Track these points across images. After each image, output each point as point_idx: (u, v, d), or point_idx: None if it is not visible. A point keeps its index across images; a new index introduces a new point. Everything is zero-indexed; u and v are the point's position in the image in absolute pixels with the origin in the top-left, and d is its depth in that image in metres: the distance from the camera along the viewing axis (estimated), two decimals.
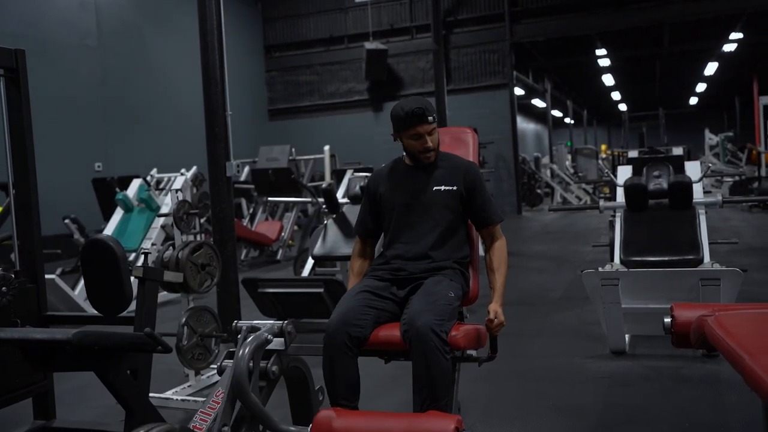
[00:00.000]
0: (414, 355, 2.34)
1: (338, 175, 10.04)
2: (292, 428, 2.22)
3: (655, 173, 5.04)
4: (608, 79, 24.54)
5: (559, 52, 19.97)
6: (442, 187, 2.69)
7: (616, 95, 29.84)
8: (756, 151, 17.15)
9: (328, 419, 2.21)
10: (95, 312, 3.03)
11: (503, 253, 2.72)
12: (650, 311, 4.17)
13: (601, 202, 5.34)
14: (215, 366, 3.47)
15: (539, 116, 29.35)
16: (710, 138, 20.68)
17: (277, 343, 2.35)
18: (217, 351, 3.69)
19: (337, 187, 7.68)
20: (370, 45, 16.30)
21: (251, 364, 2.22)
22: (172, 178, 7.48)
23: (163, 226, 6.98)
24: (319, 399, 2.44)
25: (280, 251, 10.04)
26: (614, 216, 5.02)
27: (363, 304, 2.49)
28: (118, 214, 7.38)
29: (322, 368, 2.41)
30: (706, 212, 4.77)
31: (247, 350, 2.23)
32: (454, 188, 2.69)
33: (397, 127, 2.68)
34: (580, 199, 18.20)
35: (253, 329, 2.33)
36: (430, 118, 2.62)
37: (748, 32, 17.79)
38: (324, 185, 7.03)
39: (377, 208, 2.80)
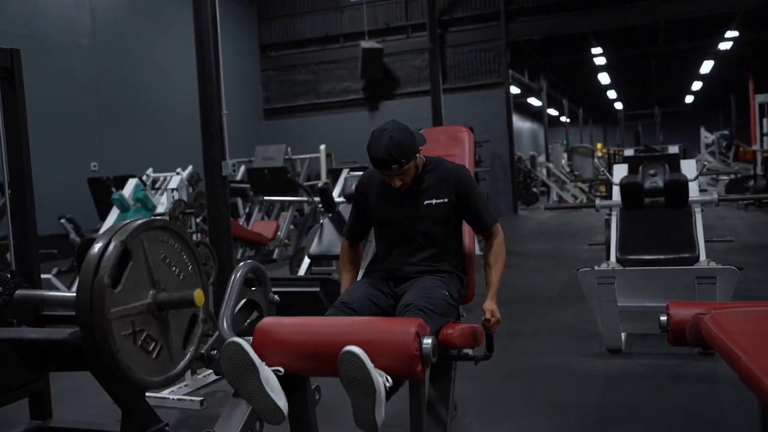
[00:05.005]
0: None
1: (334, 174, 10.04)
2: (235, 337, 2.13)
3: (651, 172, 5.04)
4: (604, 78, 24.57)
5: (554, 51, 19.98)
6: (433, 201, 2.63)
7: (611, 94, 29.89)
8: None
9: (274, 324, 2.15)
10: None
11: (500, 249, 2.69)
12: (646, 309, 4.18)
13: (597, 201, 5.34)
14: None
15: (535, 115, 29.40)
16: (706, 136, 20.78)
17: None
18: None
19: (333, 187, 7.67)
20: (365, 44, 16.28)
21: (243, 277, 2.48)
22: (168, 178, 7.48)
23: None
24: (315, 398, 2.43)
25: (277, 250, 10.03)
26: (610, 214, 5.02)
27: (367, 297, 2.50)
28: (114, 213, 7.36)
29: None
30: (702, 210, 4.77)
31: (239, 274, 2.46)
32: (445, 200, 2.63)
33: None
34: (576, 198, 18.21)
35: None
36: (395, 166, 2.48)
37: (743, 30, 17.83)
38: (320, 184, 7.02)
39: (366, 215, 2.78)
